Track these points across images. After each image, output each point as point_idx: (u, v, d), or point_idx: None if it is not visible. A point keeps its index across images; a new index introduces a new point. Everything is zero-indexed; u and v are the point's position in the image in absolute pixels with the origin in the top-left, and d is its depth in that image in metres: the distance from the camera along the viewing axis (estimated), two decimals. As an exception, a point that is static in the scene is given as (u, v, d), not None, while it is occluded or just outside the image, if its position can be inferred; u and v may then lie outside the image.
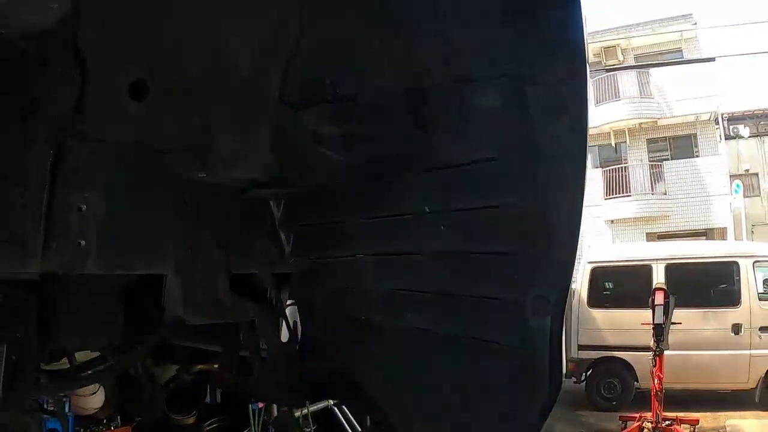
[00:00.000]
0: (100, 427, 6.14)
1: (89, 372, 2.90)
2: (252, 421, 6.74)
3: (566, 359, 13.94)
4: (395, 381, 1.98)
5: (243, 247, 2.13)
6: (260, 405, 6.72)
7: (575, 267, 9.79)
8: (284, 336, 2.52)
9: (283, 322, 2.50)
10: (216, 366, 2.90)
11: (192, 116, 1.94)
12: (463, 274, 1.76)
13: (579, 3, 1.44)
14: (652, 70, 25.42)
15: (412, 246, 1.85)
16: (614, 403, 11.88)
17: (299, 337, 2.40)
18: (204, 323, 2.21)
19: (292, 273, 2.27)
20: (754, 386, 10.93)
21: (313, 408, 7.47)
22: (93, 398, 6.12)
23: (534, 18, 1.47)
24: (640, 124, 25.65)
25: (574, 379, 12.90)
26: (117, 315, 2.40)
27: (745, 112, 28.58)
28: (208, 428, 7.49)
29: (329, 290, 2.16)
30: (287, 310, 2.48)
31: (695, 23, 26.47)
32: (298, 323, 2.42)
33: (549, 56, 1.48)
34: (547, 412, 1.60)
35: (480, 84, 1.61)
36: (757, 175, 27.32)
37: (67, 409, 5.68)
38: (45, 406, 5.07)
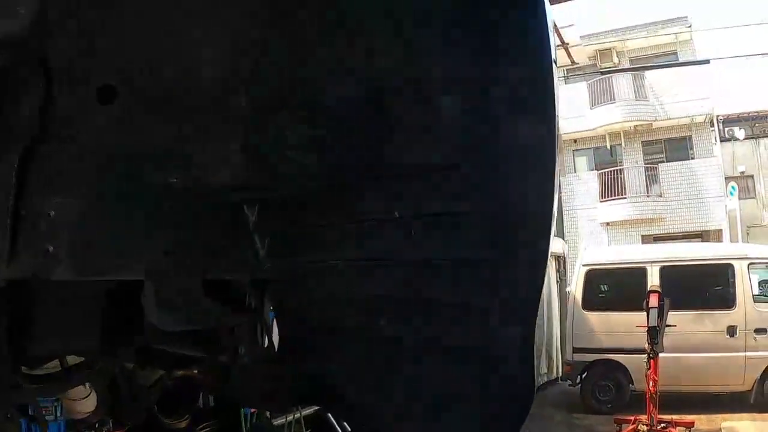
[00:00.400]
0: (92, 431, 6.11)
1: (72, 376, 2.89)
2: (244, 425, 6.71)
3: (561, 362, 13.95)
4: (368, 386, 1.96)
5: (218, 253, 2.10)
6: (252, 409, 6.70)
7: (571, 269, 9.80)
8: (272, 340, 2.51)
9: (263, 328, 2.48)
10: (196, 371, 2.86)
11: (162, 122, 1.92)
12: (434, 280, 1.73)
13: (542, 1, 1.41)
14: (647, 73, 25.49)
15: (382, 252, 1.82)
16: (609, 405, 11.87)
17: (277, 342, 2.38)
18: (179, 329, 2.19)
19: (268, 279, 2.25)
20: (749, 388, 10.94)
21: (305, 412, 7.45)
22: (85, 402, 6.09)
23: (495, 17, 1.44)
24: (635, 126, 25.73)
25: (569, 381, 12.90)
26: (95, 319, 2.38)
27: (740, 113, 28.66)
28: (201, 432, 7.48)
29: (304, 296, 2.13)
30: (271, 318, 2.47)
31: (690, 25, 26.53)
32: (276, 329, 2.40)
33: (511, 56, 1.45)
34: (517, 423, 1.57)
35: (441, 86, 1.58)
36: (752, 177, 27.40)
37: (59, 413, 5.66)
38: (30, 411, 5.04)
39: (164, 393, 7.14)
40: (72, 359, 2.97)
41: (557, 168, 1.49)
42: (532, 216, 1.47)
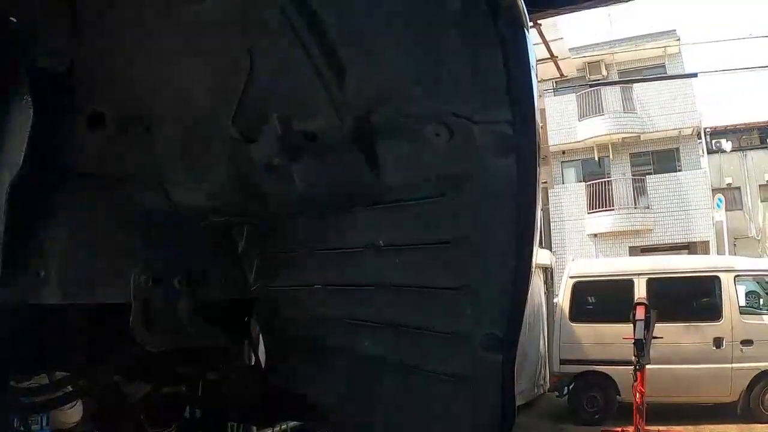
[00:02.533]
0: (78, 442, 6.09)
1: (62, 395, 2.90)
2: (231, 436, 6.70)
3: (548, 373, 13.98)
4: (349, 404, 2.01)
5: (206, 275, 2.14)
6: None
7: (558, 281, 9.85)
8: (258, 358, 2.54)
9: (251, 347, 2.52)
10: (184, 388, 2.89)
11: (150, 148, 1.96)
12: (415, 306, 1.77)
13: (525, 39, 1.45)
14: (636, 85, 25.62)
15: (364, 278, 1.86)
16: (597, 416, 11.90)
17: (264, 361, 2.42)
18: (165, 348, 2.22)
19: (255, 299, 2.29)
20: (736, 399, 10.99)
21: (293, 424, 7.45)
22: (71, 412, 6.06)
23: (478, 56, 1.48)
24: (623, 138, 25.86)
25: (556, 393, 12.93)
26: (80, 336, 2.41)
27: (727, 126, 28.86)
28: (186, 442, 7.47)
29: (289, 316, 2.18)
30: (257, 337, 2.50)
31: (678, 39, 26.72)
32: (262, 348, 2.44)
33: (495, 97, 1.49)
34: None
35: (427, 120, 1.62)
36: (739, 188, 27.57)
37: (45, 423, 5.64)
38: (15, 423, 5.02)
39: (151, 403, 7.17)
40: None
41: (538, 198, 1.53)
42: (514, 254, 1.51)
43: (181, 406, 7.70)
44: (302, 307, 2.11)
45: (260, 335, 2.47)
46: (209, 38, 1.77)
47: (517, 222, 1.50)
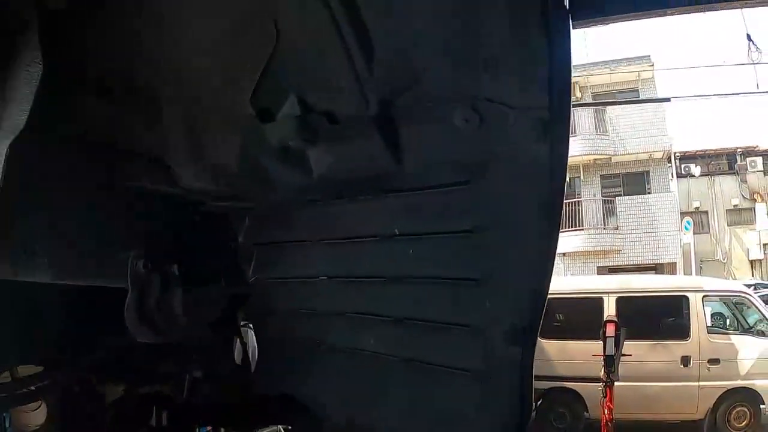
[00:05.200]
0: (40, 446, 5.94)
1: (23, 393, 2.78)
2: (196, 445, 6.59)
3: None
4: (350, 404, 1.93)
5: (202, 264, 2.07)
6: (209, 429, 6.58)
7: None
8: (239, 356, 2.47)
9: (239, 343, 2.43)
10: (163, 388, 2.78)
11: (157, 121, 1.88)
12: (430, 300, 1.72)
13: (570, 31, 1.44)
14: (609, 108, 25.90)
15: (375, 270, 1.80)
16: (564, 433, 11.88)
17: (256, 358, 2.35)
18: (157, 342, 2.13)
19: (250, 293, 2.21)
20: (702, 417, 11.06)
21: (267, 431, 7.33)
22: (34, 414, 5.92)
23: (524, 42, 1.46)
24: (595, 159, 26.10)
25: (525, 409, 12.90)
26: (54, 330, 2.32)
27: (697, 151, 29.28)
28: (153, 451, 7.32)
29: (286, 310, 2.10)
30: (249, 333, 2.42)
31: (652, 64, 27.09)
32: (255, 345, 2.37)
33: (537, 84, 1.47)
34: None
35: (456, 105, 1.58)
36: (706, 212, 27.96)
37: (7, 425, 5.50)
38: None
39: (118, 409, 7.02)
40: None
41: (565, 185, 1.51)
42: (539, 242, 1.48)
43: (147, 413, 7.58)
44: (302, 300, 2.03)
45: (250, 332, 2.39)
46: (231, 0, 1.70)
47: (546, 207, 1.48)
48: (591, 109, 25.85)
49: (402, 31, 1.57)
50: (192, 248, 2.07)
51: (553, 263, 1.49)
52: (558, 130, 1.48)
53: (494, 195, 1.57)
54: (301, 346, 2.05)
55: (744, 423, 11.41)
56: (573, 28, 1.45)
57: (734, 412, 11.30)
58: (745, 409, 11.30)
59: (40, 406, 6.01)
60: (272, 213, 2.05)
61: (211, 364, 2.24)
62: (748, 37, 14.03)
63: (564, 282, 16.26)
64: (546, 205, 1.46)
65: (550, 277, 1.50)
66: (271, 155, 1.87)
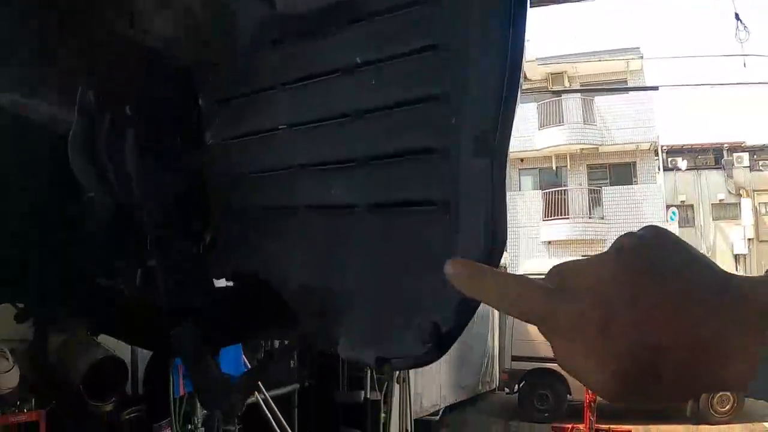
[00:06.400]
0: (13, 410, 5.70)
1: None
2: (173, 411, 6.35)
3: (497, 371, 13.83)
4: (309, 266, 1.69)
5: (159, 117, 1.82)
6: (182, 393, 6.35)
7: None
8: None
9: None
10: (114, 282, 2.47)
11: None
12: (392, 130, 1.49)
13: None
14: (597, 99, 25.90)
15: (340, 106, 1.57)
16: (546, 415, 11.79)
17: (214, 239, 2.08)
18: (102, 198, 1.87)
19: (209, 161, 1.95)
20: (685, 402, 10.99)
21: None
22: (7, 376, 5.69)
23: None
24: (582, 149, 26.10)
25: (506, 390, 12.80)
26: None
27: (683, 145, 29.37)
28: (127, 417, 7.08)
29: (246, 173, 1.85)
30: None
31: (641, 56, 27.10)
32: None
33: None
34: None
35: None
36: (692, 206, 28.06)
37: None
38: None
39: (90, 374, 6.76)
40: None
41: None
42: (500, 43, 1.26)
43: (121, 379, 7.34)
44: (263, 160, 1.79)
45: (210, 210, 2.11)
46: None
47: (507, 17, 1.23)
48: (578, 99, 25.79)
49: None
50: (149, 98, 1.81)
51: (519, 70, 1.24)
52: None
53: (456, 8, 1.34)
54: (258, 214, 1.80)
55: (727, 407, 11.39)
56: None
57: (717, 396, 11.27)
58: (729, 394, 11.29)
59: (12, 368, 5.78)
60: (234, 65, 1.81)
61: (168, 250, 1.95)
62: (737, 16, 13.88)
63: (549, 264, 16.17)
64: (507, 15, 1.22)
65: (518, 83, 1.25)
66: None
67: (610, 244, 0.65)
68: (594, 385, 0.63)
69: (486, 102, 1.27)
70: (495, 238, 1.25)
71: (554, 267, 0.67)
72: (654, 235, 0.64)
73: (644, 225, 0.68)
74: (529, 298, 0.65)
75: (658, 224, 0.69)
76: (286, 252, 1.74)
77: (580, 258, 0.69)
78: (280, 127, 1.72)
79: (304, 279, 1.68)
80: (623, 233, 0.66)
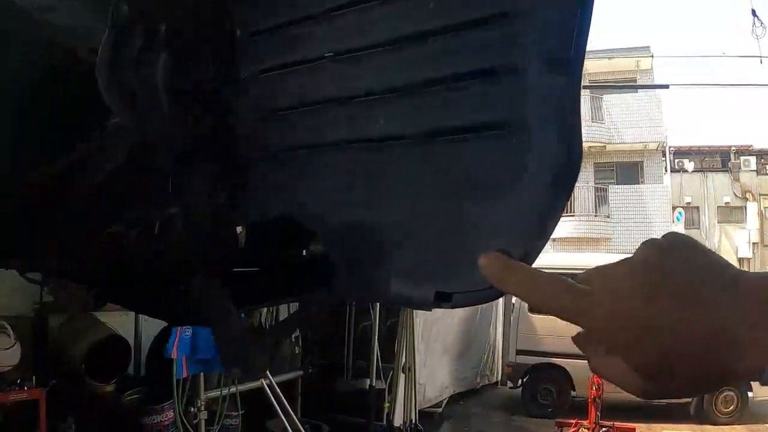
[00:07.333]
0: (13, 387, 5.63)
1: None
2: (175, 393, 6.26)
3: (501, 364, 13.73)
4: (358, 202, 1.55)
5: (193, 40, 1.70)
6: (184, 375, 6.24)
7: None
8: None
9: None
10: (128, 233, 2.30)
11: None
12: (446, 51, 1.36)
13: None
14: (605, 97, 25.80)
15: (394, 31, 1.45)
16: (550, 410, 11.68)
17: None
18: (125, 118, 1.74)
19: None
20: (689, 400, 10.97)
21: (242, 388, 7.04)
22: (8, 353, 5.63)
23: None
24: (590, 147, 25.98)
25: (510, 384, 12.70)
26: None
27: (691, 147, 29.31)
28: (128, 398, 7.01)
29: (284, 108, 1.72)
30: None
31: (652, 55, 26.97)
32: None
33: None
34: (563, 190, 1.18)
35: None
36: (698, 208, 27.97)
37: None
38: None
39: (92, 354, 6.67)
40: None
41: None
42: None
43: (124, 361, 7.22)
44: (303, 94, 1.66)
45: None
46: None
47: None
48: (587, 96, 25.67)
49: None
50: (184, 21, 1.68)
51: None
52: None
53: None
54: (298, 151, 1.66)
55: (731, 408, 11.31)
56: None
57: (722, 396, 11.21)
58: (733, 394, 11.23)
59: (14, 345, 5.69)
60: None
61: (192, 192, 1.81)
62: (753, 12, 13.75)
63: (556, 258, 16.03)
64: None
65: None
66: None
67: (637, 249, 0.70)
68: (627, 384, 0.71)
69: (558, 14, 1.16)
70: (571, 152, 1.13)
71: (592, 269, 0.74)
72: (682, 244, 0.70)
73: (667, 232, 0.76)
74: (563, 296, 0.73)
75: (678, 231, 0.72)
76: (326, 191, 1.62)
77: (613, 263, 0.72)
78: (326, 55, 1.60)
79: (347, 218, 1.56)
80: (647, 239, 0.71)
